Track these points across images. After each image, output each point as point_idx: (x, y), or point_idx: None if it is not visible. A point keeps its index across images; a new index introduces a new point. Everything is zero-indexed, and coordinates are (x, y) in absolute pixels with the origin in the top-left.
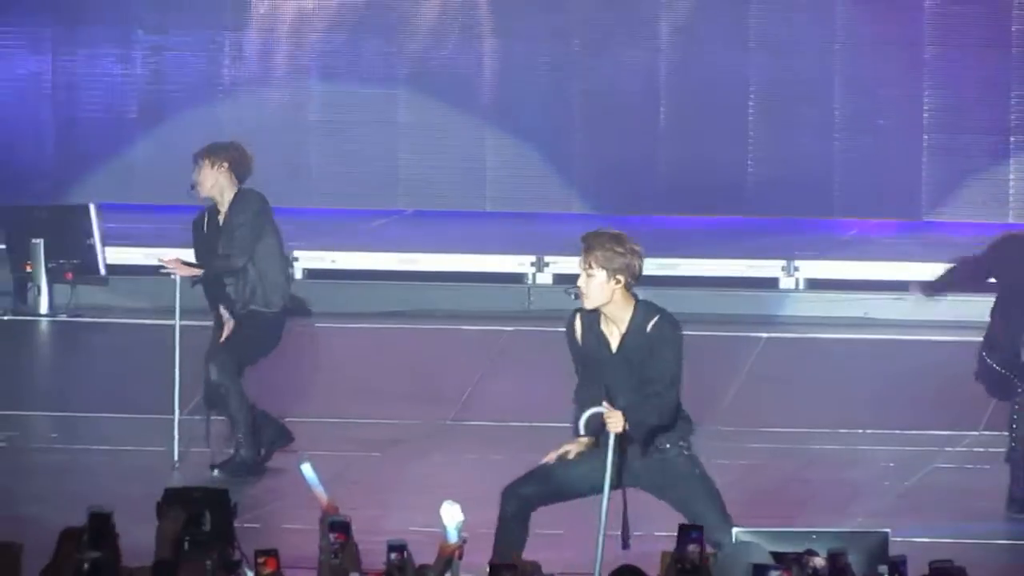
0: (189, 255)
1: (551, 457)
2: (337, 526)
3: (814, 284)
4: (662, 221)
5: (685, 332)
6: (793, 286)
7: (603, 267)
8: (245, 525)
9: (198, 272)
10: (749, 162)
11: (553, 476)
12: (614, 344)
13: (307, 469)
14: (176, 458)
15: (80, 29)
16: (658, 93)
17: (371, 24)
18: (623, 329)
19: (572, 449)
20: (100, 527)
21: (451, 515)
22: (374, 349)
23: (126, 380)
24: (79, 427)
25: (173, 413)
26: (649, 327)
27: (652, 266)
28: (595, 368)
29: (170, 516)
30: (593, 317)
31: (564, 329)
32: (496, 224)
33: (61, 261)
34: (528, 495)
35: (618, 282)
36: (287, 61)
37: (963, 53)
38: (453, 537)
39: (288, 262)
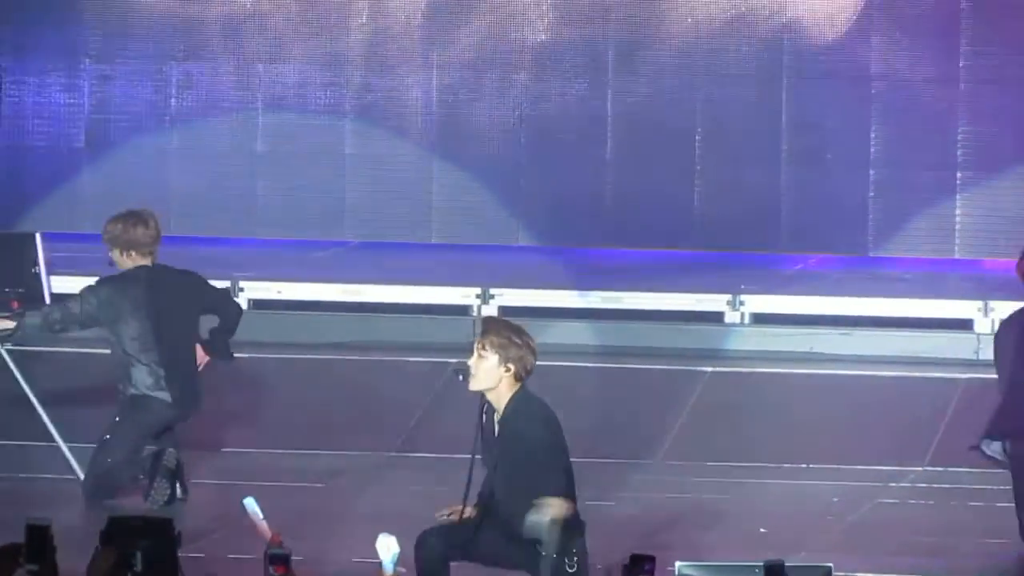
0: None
1: (442, 514)
2: (277, 559)
3: (760, 319)
4: (608, 254)
5: (630, 366)
6: (739, 320)
7: (497, 352)
8: (189, 555)
9: (7, 326)
10: (695, 195)
11: (457, 534)
12: (497, 428)
13: (250, 503)
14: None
15: (27, 58)
16: (605, 125)
17: (317, 55)
18: (500, 415)
19: (456, 513)
20: (38, 539)
21: (387, 547)
22: (319, 380)
23: (70, 409)
24: (15, 456)
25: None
26: (515, 418)
27: (597, 299)
28: (486, 449)
29: (102, 553)
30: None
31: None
32: (442, 256)
33: (7, 289)
34: (439, 546)
35: (508, 370)
36: (233, 91)
37: (910, 88)
38: (389, 569)
39: (157, 352)
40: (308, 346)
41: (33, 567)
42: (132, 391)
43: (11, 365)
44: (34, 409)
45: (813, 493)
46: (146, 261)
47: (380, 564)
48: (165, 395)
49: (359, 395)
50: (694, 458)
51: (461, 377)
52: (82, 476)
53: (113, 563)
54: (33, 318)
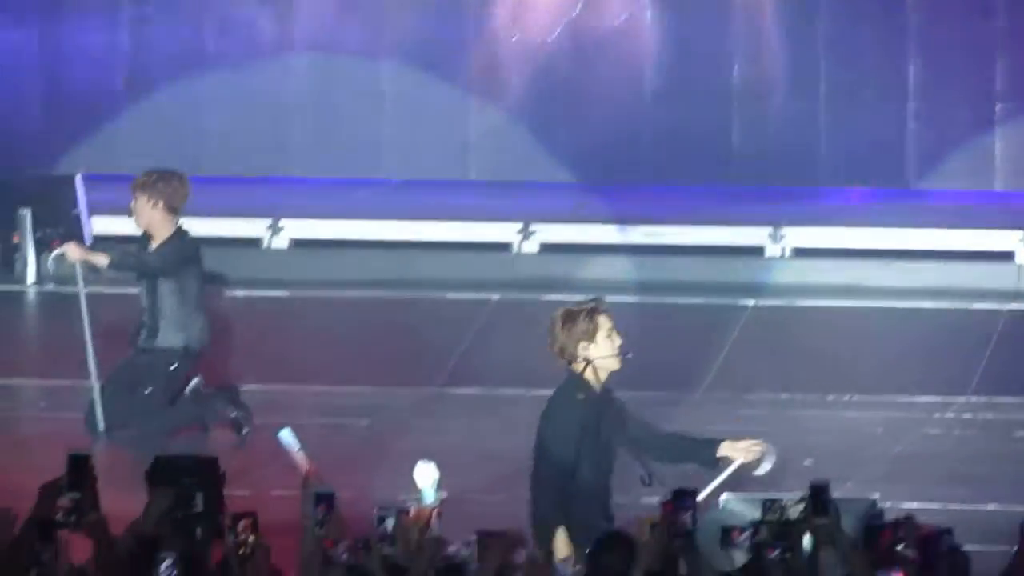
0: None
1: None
2: (322, 498)
3: (801, 252)
4: (648, 190)
5: (671, 300)
6: (780, 254)
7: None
8: (235, 493)
9: (97, 260)
10: (734, 130)
11: None
12: (608, 404)
13: (286, 435)
14: (101, 427)
15: (65, 1)
16: (643, 61)
17: None
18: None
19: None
20: (78, 469)
21: (426, 474)
22: (360, 318)
23: (111, 349)
24: (66, 395)
25: (91, 381)
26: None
27: (638, 235)
28: (597, 437)
29: (160, 493)
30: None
31: (578, 401)
32: (482, 193)
33: (48, 231)
34: None
35: None
36: (272, 32)
37: (949, 21)
38: (429, 497)
39: (200, 310)
40: (349, 284)
41: (75, 495)
42: (186, 343)
43: (83, 304)
44: (75, 350)
45: (858, 425)
46: (172, 219)
47: (420, 493)
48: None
49: (400, 332)
50: (737, 391)
51: (630, 355)
52: (102, 422)
53: (171, 504)
54: (125, 257)
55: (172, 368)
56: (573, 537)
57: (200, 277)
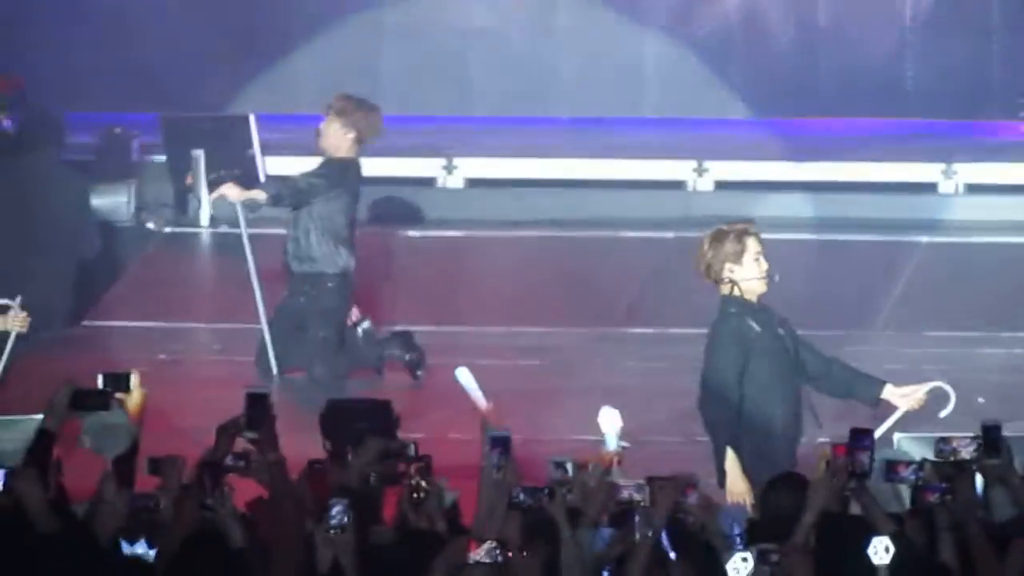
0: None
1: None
2: (497, 441)
3: (973, 188)
4: (820, 125)
5: (845, 238)
6: (952, 190)
7: None
8: (410, 435)
9: (256, 196)
10: (908, 64)
11: None
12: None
13: (463, 374)
14: (275, 371)
15: None
16: None
17: None
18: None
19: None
20: (257, 407)
21: (610, 421)
22: (534, 257)
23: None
24: (242, 339)
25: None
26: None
27: (812, 171)
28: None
29: (369, 443)
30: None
31: (731, 314)
32: (656, 130)
33: (222, 172)
34: None
35: None
36: None
37: None
38: (612, 444)
39: (348, 240)
40: (523, 223)
41: (252, 434)
42: (344, 271)
43: (247, 245)
44: (250, 294)
45: None
46: (354, 151)
47: (603, 438)
48: None
49: (574, 271)
50: (911, 328)
51: (777, 278)
52: (275, 365)
53: (380, 451)
54: (281, 189)
55: (334, 307)
56: (748, 472)
57: (350, 207)
